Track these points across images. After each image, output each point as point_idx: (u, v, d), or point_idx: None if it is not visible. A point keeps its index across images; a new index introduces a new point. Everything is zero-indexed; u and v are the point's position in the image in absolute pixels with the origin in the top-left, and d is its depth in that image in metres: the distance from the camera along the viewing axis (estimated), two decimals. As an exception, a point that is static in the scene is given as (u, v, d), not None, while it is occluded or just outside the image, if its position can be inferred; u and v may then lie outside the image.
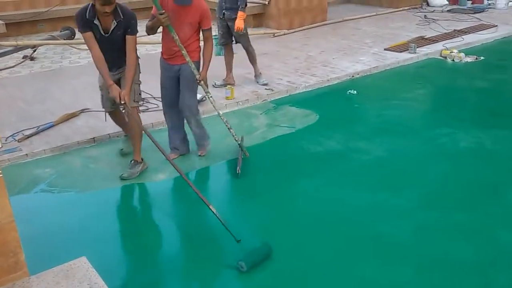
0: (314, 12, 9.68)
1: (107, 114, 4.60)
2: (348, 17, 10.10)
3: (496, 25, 8.92)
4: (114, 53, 4.03)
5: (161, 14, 4.00)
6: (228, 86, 5.98)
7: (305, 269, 3.11)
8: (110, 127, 5.16)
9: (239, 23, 5.88)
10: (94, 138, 4.90)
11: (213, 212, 3.35)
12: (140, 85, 4.28)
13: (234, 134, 4.47)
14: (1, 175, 2.54)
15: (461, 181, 4.08)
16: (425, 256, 3.18)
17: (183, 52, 4.12)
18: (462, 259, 3.14)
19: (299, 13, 9.47)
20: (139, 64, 4.23)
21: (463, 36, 8.30)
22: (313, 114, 5.49)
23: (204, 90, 4.39)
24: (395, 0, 11.10)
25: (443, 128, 5.09)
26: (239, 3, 5.83)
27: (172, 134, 4.57)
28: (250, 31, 9.32)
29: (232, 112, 5.64)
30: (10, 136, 4.90)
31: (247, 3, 6.05)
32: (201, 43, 4.33)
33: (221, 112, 4.52)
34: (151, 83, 5.19)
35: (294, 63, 7.24)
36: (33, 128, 5.05)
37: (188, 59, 4.15)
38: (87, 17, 3.84)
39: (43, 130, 5.01)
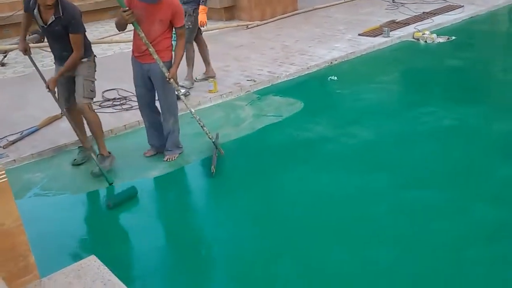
0: (284, 2, 9.73)
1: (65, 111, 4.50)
2: (318, 6, 10.19)
3: (463, 6, 9.17)
4: (57, 45, 4.12)
5: (124, 11, 3.95)
6: (210, 79, 5.98)
7: (282, 255, 3.17)
8: (96, 127, 5.11)
9: (202, 17, 5.67)
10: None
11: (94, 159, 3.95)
12: (95, 83, 4.26)
13: (207, 132, 4.38)
14: (5, 179, 2.50)
15: (447, 159, 4.17)
16: (406, 235, 3.25)
17: (150, 49, 4.04)
18: (442, 237, 3.20)
19: (270, 4, 9.50)
20: (94, 62, 4.27)
21: (432, 18, 8.51)
22: (298, 102, 5.55)
23: (175, 88, 4.29)
24: (362, -13, 11.23)
25: (425, 107, 5.23)
26: None
27: (149, 132, 4.53)
28: (222, 24, 9.35)
29: (217, 105, 5.65)
30: (-6, 142, 4.79)
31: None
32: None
33: (193, 110, 4.44)
34: (131, 82, 5.13)
35: (271, 54, 7.28)
36: (17, 133, 4.94)
37: (156, 57, 4.06)
38: (30, 4, 3.97)
39: (28, 135, 4.91)
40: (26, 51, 4.23)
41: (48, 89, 4.14)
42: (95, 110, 5.44)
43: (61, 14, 3.89)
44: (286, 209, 3.66)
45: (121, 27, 4.15)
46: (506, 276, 2.85)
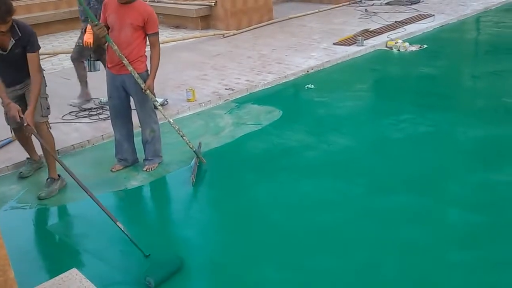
0: (260, 11, 9.80)
1: (12, 131, 4.41)
2: (293, 15, 10.30)
3: (433, 15, 9.41)
4: (15, 70, 3.89)
5: (95, 25, 3.93)
6: (189, 88, 5.94)
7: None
8: (72, 138, 5.04)
9: (86, 37, 5.36)
10: (58, 150, 4.72)
11: (121, 229, 3.26)
12: (48, 99, 4.12)
13: (188, 141, 4.35)
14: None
15: (423, 165, 4.23)
16: (382, 239, 3.30)
17: (124, 62, 3.99)
18: (417, 242, 3.26)
19: (246, 13, 9.56)
20: (44, 77, 4.07)
21: (404, 27, 8.70)
22: (276, 110, 5.58)
23: (151, 99, 4.22)
24: (335, -4, 11.43)
25: (401, 114, 5.33)
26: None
27: (118, 145, 4.43)
28: (199, 33, 9.36)
29: (196, 114, 5.64)
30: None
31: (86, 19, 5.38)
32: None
33: (171, 120, 4.42)
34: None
35: (249, 62, 7.32)
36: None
37: (130, 68, 4.02)
38: None
39: (1, 147, 4.79)
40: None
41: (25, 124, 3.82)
42: (73, 121, 5.44)
43: (20, 35, 3.71)
44: (267, 216, 3.68)
45: (99, 41, 4.09)
46: (480, 281, 2.91)
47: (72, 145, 4.89)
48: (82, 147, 4.93)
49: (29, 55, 3.78)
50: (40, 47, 3.91)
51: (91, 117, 5.53)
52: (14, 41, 3.73)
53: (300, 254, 3.23)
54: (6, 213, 3.89)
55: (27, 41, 3.75)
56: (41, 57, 8.57)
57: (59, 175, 4.18)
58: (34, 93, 3.82)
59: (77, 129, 5.27)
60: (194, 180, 4.11)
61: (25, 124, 3.74)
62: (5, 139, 4.93)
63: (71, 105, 5.64)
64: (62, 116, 5.57)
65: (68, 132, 5.20)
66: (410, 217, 3.54)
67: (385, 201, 3.74)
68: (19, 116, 3.74)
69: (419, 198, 3.76)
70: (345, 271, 3.05)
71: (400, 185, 3.95)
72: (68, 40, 9.47)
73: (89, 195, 3.39)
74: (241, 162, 4.52)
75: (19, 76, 3.91)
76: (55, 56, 8.39)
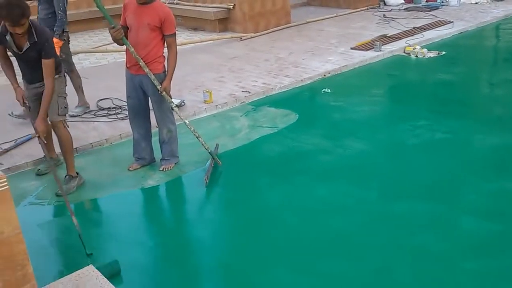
0: (278, 15, 9.83)
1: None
2: (311, 19, 10.32)
3: (452, 21, 9.35)
4: (33, 70, 3.98)
5: (112, 28, 3.99)
6: (206, 89, 5.99)
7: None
8: (91, 136, 5.12)
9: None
10: (76, 148, 4.81)
11: (74, 224, 3.36)
12: (66, 98, 4.19)
13: (203, 142, 4.39)
14: (7, 187, 2.50)
15: (438, 172, 4.22)
16: (395, 246, 3.30)
17: (140, 63, 4.05)
18: (430, 249, 3.25)
19: (263, 16, 9.60)
20: (65, 76, 4.21)
21: (423, 33, 8.66)
22: (292, 114, 5.60)
23: (168, 101, 4.24)
24: (353, 1, 11.41)
25: (417, 120, 5.32)
26: (55, 28, 5.11)
27: (136, 144, 4.48)
28: (216, 35, 9.42)
29: (213, 115, 5.69)
30: (-12, 150, 4.77)
31: (66, 30, 5.30)
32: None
33: (187, 121, 4.46)
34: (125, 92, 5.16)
35: (266, 65, 7.35)
36: (10, 141, 4.91)
37: (146, 70, 4.06)
38: (0, 30, 3.83)
39: (22, 143, 4.89)
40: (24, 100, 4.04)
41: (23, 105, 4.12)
42: (92, 120, 5.52)
43: (36, 39, 3.76)
44: (281, 219, 3.70)
45: (117, 42, 4.16)
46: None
47: (91, 143, 4.96)
48: (100, 145, 5.00)
49: (43, 61, 3.83)
50: (56, 56, 3.98)
51: (109, 117, 5.61)
52: (29, 45, 3.79)
53: (313, 257, 3.24)
54: (26, 209, 3.96)
55: (42, 46, 3.80)
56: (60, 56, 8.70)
57: (77, 173, 4.25)
58: (45, 99, 3.88)
59: (96, 128, 5.35)
60: (207, 181, 4.15)
61: (36, 135, 3.90)
62: (26, 135, 5.02)
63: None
64: (81, 115, 5.65)
65: (86, 130, 5.28)
66: (424, 224, 3.52)
67: (399, 207, 3.73)
68: (24, 102, 4.02)
69: (434, 204, 3.74)
70: (357, 275, 3.05)
71: (415, 191, 3.94)
72: (87, 40, 9.61)
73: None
74: (256, 165, 4.55)
75: (38, 75, 3.98)
76: (74, 56, 8.50)
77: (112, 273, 3.06)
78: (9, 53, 4.04)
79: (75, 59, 8.32)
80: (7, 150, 4.76)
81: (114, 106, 5.88)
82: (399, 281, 2.99)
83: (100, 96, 6.18)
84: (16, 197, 4.05)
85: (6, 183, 2.47)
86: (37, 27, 3.84)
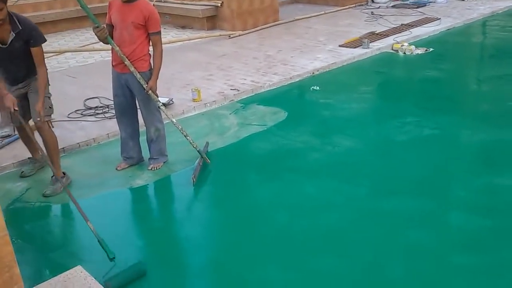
0: (266, 12, 9.81)
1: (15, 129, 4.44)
2: (299, 17, 10.31)
3: (439, 18, 9.40)
4: (16, 65, 3.88)
5: (96, 27, 3.97)
6: (194, 88, 5.96)
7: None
8: (79, 136, 5.06)
9: None
10: (63, 148, 4.76)
11: (91, 229, 3.27)
12: (51, 98, 4.11)
13: (191, 141, 4.37)
14: (-9, 188, 2.46)
15: (427, 168, 4.23)
16: (381, 242, 3.30)
17: (125, 62, 4.02)
18: (419, 245, 3.25)
19: (251, 14, 9.57)
20: (47, 76, 4.07)
21: (410, 30, 8.69)
22: (282, 111, 5.59)
23: (154, 100, 4.20)
24: (341, -1, 11.42)
25: (406, 116, 5.33)
26: None
27: (124, 143, 4.45)
28: (205, 33, 9.38)
29: (201, 113, 5.65)
30: (-26, 151, 4.69)
31: None
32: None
33: (174, 120, 4.42)
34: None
35: (254, 63, 7.33)
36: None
37: (132, 69, 4.04)
38: None
39: (8, 144, 4.82)
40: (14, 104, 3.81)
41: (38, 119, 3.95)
42: (78, 120, 5.46)
43: (20, 28, 3.69)
44: (271, 216, 3.69)
45: (102, 41, 4.12)
46: (484, 284, 2.90)
47: (78, 143, 4.91)
48: (87, 145, 4.95)
49: (33, 49, 3.77)
50: (45, 40, 3.90)
51: (96, 116, 5.55)
52: (14, 34, 3.70)
53: (304, 255, 3.23)
54: (12, 210, 3.90)
55: (28, 34, 3.73)
56: (47, 55, 8.61)
57: (64, 173, 4.20)
58: (41, 86, 3.88)
59: (83, 127, 5.29)
60: (195, 180, 4.12)
61: (37, 119, 3.83)
62: (12, 135, 4.95)
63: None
64: (68, 114, 5.59)
65: (73, 130, 5.22)
66: (414, 220, 3.53)
67: (389, 203, 3.74)
68: (14, 109, 3.78)
69: (423, 200, 3.75)
70: (348, 272, 3.05)
71: (404, 188, 3.95)
72: (74, 39, 9.52)
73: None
74: (246, 163, 4.53)
75: (21, 73, 3.92)
76: (61, 55, 8.42)
77: (138, 274, 3.08)
78: None
79: (61, 58, 8.26)
80: (-7, 151, 4.70)
81: (102, 105, 5.82)
82: (390, 277, 3.00)
83: (88, 95, 6.12)
84: (1, 198, 4.02)
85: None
86: (19, 16, 3.77)
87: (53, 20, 10.04)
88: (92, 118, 5.50)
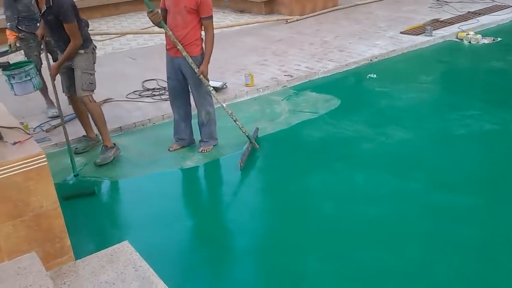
0: (325, -3, 9.62)
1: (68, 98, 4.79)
2: (359, 2, 10.04)
3: (511, 6, 8.84)
4: (53, 35, 4.22)
5: (150, 12, 4.02)
6: (248, 73, 5.96)
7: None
8: (135, 116, 5.22)
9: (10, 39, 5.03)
10: (120, 127, 4.93)
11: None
12: (94, 75, 4.31)
13: (241, 126, 4.40)
14: (45, 163, 2.59)
15: (485, 164, 4.05)
16: (432, 237, 3.19)
17: (178, 47, 4.07)
18: (472, 242, 3.14)
19: (310, -2, 9.42)
20: (93, 53, 4.32)
21: (477, 18, 8.23)
22: (335, 99, 5.49)
23: (205, 84, 4.25)
24: (406, -16, 10.97)
25: (467, 109, 5.08)
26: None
27: (177, 125, 4.53)
28: (262, 18, 9.34)
29: (253, 99, 5.66)
30: (37, 126, 4.96)
31: (23, 30, 4.98)
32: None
33: (225, 105, 4.46)
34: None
35: (310, 49, 7.23)
36: (58, 117, 5.07)
37: (184, 53, 4.08)
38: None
39: (69, 120, 5.05)
40: (43, 37, 4.35)
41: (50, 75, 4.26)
42: (136, 100, 5.63)
43: (51, 4, 3.97)
44: (318, 205, 3.65)
45: (156, 25, 4.20)
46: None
47: (134, 123, 5.06)
48: (143, 125, 5.10)
49: (64, 25, 4.05)
50: (77, 20, 4.08)
51: (153, 97, 5.69)
52: (46, 8, 4.01)
53: (348, 246, 3.18)
54: (67, 184, 4.10)
55: (57, 11, 3.99)
56: (109, 36, 8.91)
57: (114, 144, 4.39)
58: (66, 52, 4.13)
59: (140, 108, 5.44)
60: (242, 165, 4.14)
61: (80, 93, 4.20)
62: (73, 113, 5.17)
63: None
64: (127, 95, 5.78)
65: (131, 110, 5.39)
66: (468, 217, 3.38)
67: (442, 199, 3.59)
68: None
69: (479, 198, 3.58)
70: (395, 266, 2.97)
71: (460, 184, 3.78)
72: (136, 21, 9.76)
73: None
74: (295, 150, 4.50)
75: (60, 43, 4.21)
76: (123, 36, 8.68)
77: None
78: None
79: (123, 39, 8.52)
80: (55, 127, 4.93)
81: (159, 87, 5.96)
82: (439, 275, 2.88)
83: (146, 77, 6.28)
84: (60, 171, 4.23)
85: (45, 159, 2.56)
86: None
87: (116, 2, 10.32)
88: (149, 99, 5.64)
